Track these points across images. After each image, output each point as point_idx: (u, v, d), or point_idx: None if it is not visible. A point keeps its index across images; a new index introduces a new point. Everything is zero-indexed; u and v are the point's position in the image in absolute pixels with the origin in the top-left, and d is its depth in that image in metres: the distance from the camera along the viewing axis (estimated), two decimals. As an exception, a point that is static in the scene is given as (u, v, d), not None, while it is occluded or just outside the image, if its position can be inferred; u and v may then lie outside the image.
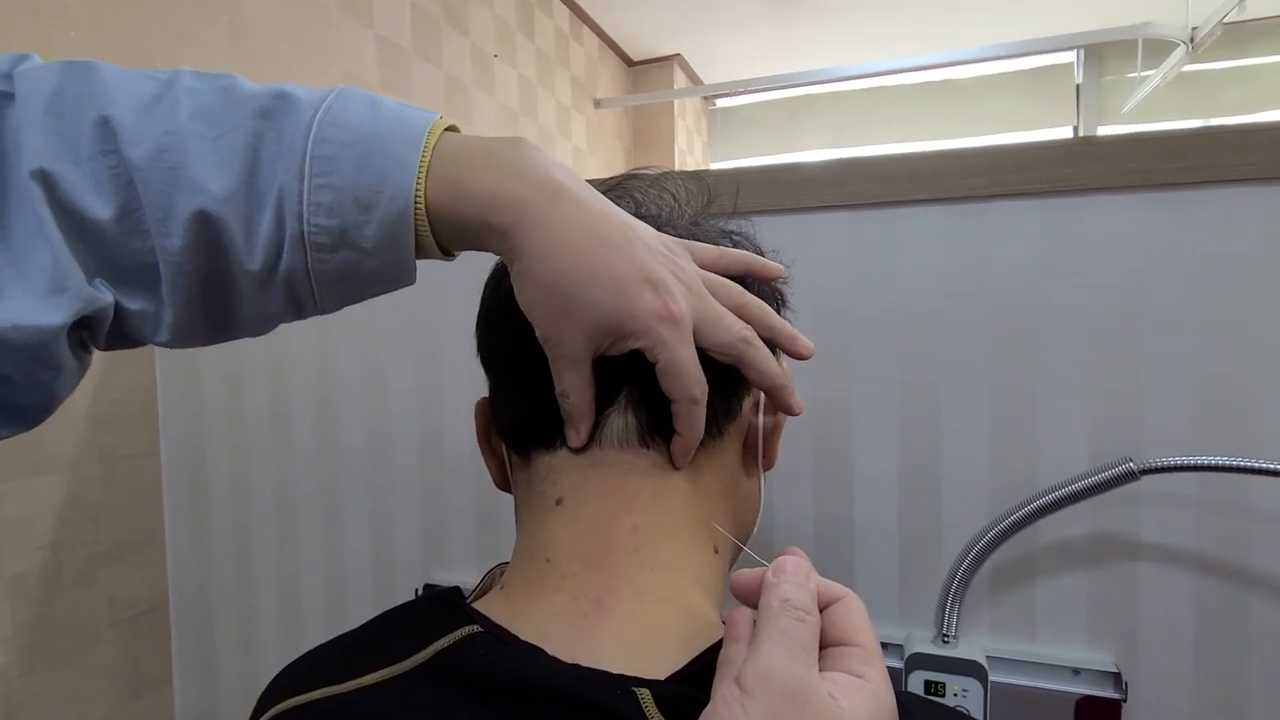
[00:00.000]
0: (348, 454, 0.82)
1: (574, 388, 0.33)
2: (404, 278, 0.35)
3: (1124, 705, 0.55)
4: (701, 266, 0.36)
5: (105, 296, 0.32)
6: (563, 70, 2.51)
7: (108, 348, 0.36)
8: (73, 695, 0.82)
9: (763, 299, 0.39)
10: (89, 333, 0.34)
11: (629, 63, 3.13)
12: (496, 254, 0.34)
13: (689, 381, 0.33)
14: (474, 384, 0.40)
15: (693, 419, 0.34)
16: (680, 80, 3.17)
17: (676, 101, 3.13)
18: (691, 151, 3.37)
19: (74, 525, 0.82)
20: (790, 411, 0.38)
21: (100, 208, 0.31)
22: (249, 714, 0.35)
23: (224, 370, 0.87)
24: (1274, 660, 0.55)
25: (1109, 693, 0.56)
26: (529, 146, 0.34)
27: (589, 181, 0.35)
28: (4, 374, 0.32)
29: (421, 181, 0.32)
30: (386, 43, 1.56)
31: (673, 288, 0.33)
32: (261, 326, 0.37)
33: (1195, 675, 0.56)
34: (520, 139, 0.34)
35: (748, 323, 0.36)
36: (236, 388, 0.87)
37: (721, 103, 3.64)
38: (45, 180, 0.30)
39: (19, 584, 0.77)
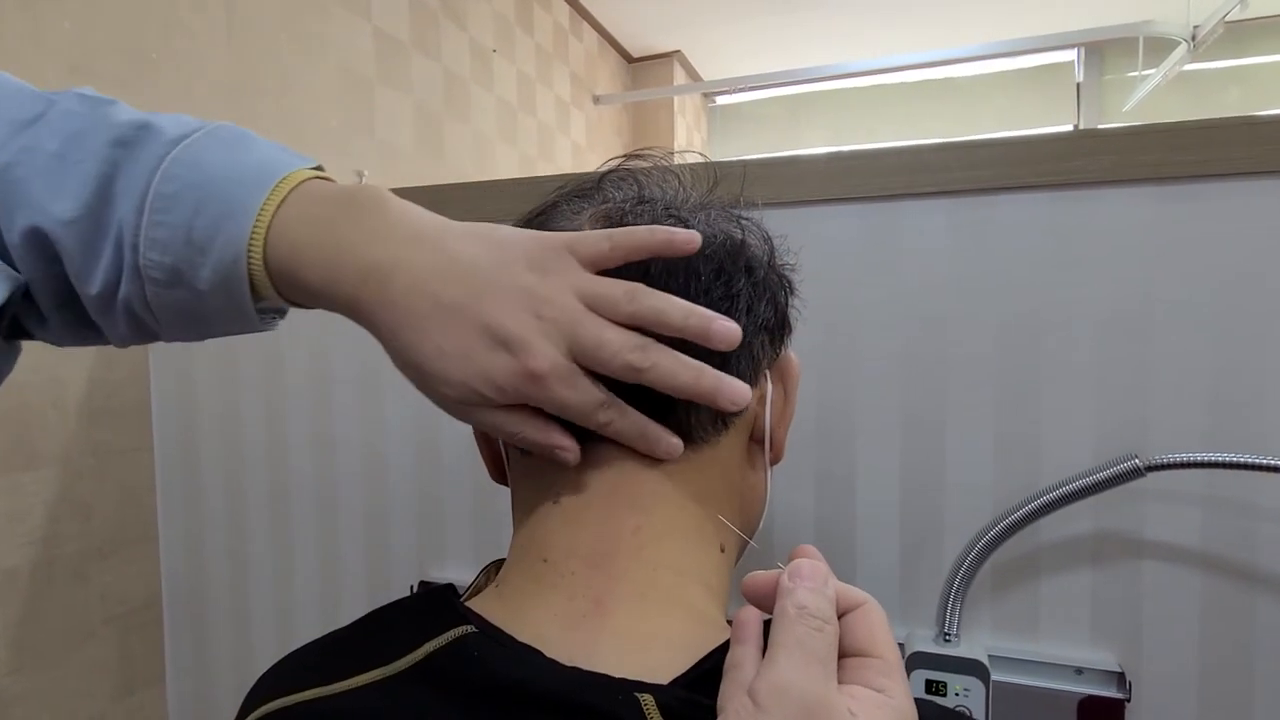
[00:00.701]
0: (343, 449, 0.81)
1: (506, 425, 0.32)
2: (248, 324, 0.34)
3: (1127, 705, 0.55)
4: (590, 265, 0.32)
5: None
6: (562, 66, 2.50)
7: (13, 337, 0.36)
8: (64, 692, 0.81)
9: (768, 288, 0.36)
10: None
11: (629, 59, 3.12)
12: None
13: (583, 411, 0.31)
14: None
15: (623, 431, 0.32)
16: (680, 77, 3.17)
17: (676, 98, 3.12)
18: (691, 148, 3.36)
19: (66, 520, 0.81)
20: (726, 409, 0.32)
21: None
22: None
23: (218, 365, 0.86)
24: (1279, 659, 0.54)
25: (1112, 692, 0.55)
26: (375, 207, 0.32)
27: (589, 173, 0.33)
28: None
29: (259, 238, 0.31)
30: (384, 35, 1.55)
31: (528, 340, 0.30)
32: (119, 342, 0.37)
33: (1200, 675, 0.56)
34: (370, 198, 0.32)
35: (643, 330, 0.31)
36: (231, 382, 0.86)
37: (721, 100, 3.63)
38: None
39: (10, 579, 0.77)
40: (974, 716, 0.55)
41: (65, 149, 0.32)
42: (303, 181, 0.33)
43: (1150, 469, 0.53)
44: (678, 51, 3.12)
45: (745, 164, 0.63)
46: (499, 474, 0.40)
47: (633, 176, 0.38)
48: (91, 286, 0.33)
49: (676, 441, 0.33)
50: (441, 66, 1.78)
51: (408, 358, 0.31)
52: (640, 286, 0.32)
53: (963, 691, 0.56)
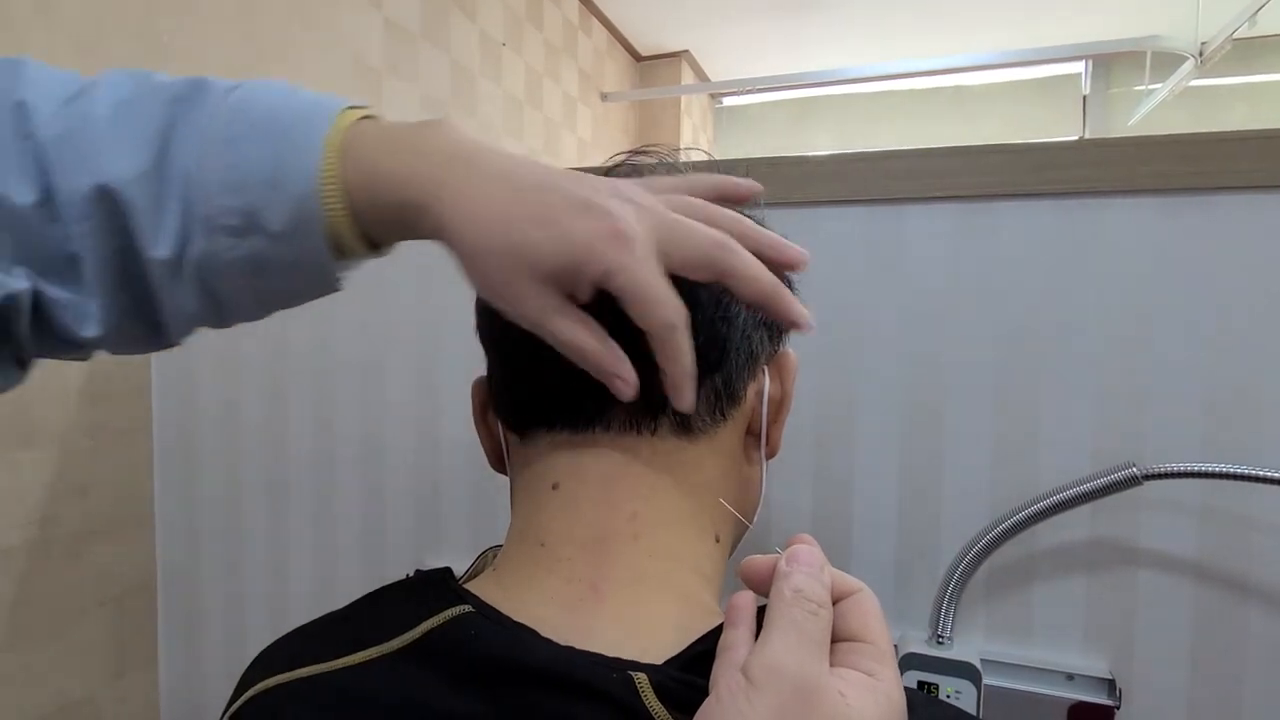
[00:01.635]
0: (342, 434, 0.81)
1: (575, 336, 0.30)
2: (322, 275, 0.33)
3: (1117, 712, 0.55)
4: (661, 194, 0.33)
5: (17, 282, 0.31)
6: (570, 62, 2.50)
7: (41, 351, 0.35)
8: (55, 672, 0.81)
9: None
10: (9, 334, 0.32)
11: (637, 58, 3.12)
12: (427, 237, 0.32)
13: (657, 304, 0.29)
14: (470, 367, 0.39)
15: (673, 349, 0.30)
16: (688, 77, 3.17)
17: (683, 98, 3.12)
18: (697, 148, 3.36)
19: (62, 500, 0.81)
20: (795, 325, 0.32)
21: (21, 193, 0.31)
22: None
23: (219, 347, 0.86)
24: (1270, 673, 0.54)
25: (1103, 699, 0.56)
26: (446, 125, 0.32)
27: (591, 170, 0.33)
28: None
29: (334, 162, 0.31)
30: (395, 25, 1.55)
31: (613, 206, 0.29)
32: (183, 327, 0.36)
33: (1190, 685, 0.56)
34: (440, 119, 0.33)
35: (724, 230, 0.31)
36: (231, 365, 0.86)
37: (728, 101, 3.63)
38: None
39: (5, 558, 0.76)
40: (972, 714, 0.55)
41: (119, 113, 0.32)
42: (364, 116, 0.33)
43: (1147, 477, 0.53)
44: (686, 51, 3.12)
45: (750, 163, 0.63)
46: (498, 462, 0.40)
47: (637, 173, 0.38)
48: (161, 248, 0.32)
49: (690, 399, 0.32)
50: (450, 58, 1.78)
51: (486, 241, 0.30)
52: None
53: (954, 694, 0.56)
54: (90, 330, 0.33)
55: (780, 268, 0.32)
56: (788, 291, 0.32)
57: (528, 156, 0.32)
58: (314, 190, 0.31)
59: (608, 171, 0.38)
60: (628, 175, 0.38)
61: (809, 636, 0.25)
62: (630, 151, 0.40)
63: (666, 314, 0.29)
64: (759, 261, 0.31)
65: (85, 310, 0.33)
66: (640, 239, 0.29)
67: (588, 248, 0.29)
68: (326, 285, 0.34)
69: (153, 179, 0.31)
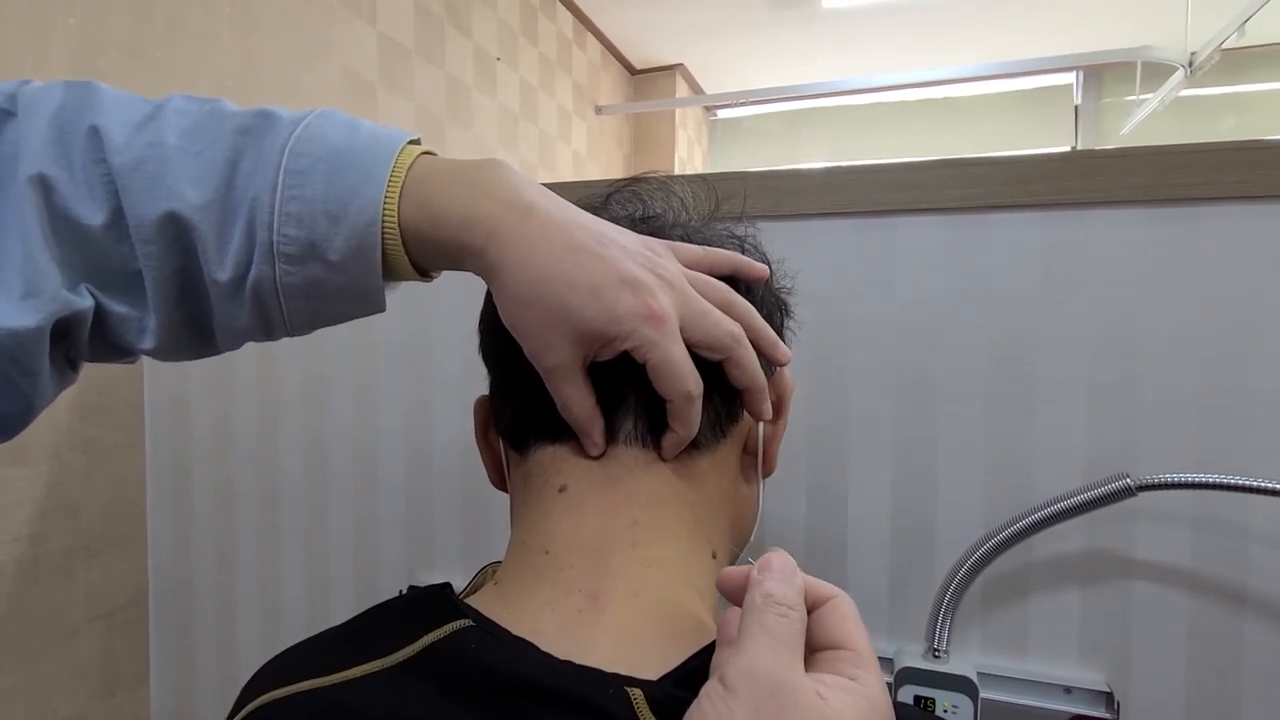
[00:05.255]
0: (334, 452, 0.81)
1: (573, 399, 0.33)
2: (372, 298, 0.35)
3: (1115, 726, 0.55)
4: (686, 266, 0.36)
5: (83, 301, 0.33)
6: (564, 75, 2.52)
7: (95, 357, 0.37)
8: (45, 691, 0.81)
9: (767, 307, 0.39)
10: (68, 342, 0.34)
11: (631, 71, 3.14)
12: (474, 273, 0.34)
13: (681, 379, 0.33)
14: (463, 384, 0.40)
15: (688, 416, 0.34)
16: (682, 89, 3.19)
17: (678, 110, 3.14)
18: (691, 160, 3.38)
19: (53, 517, 0.81)
20: (758, 417, 0.37)
21: (92, 214, 0.33)
22: (227, 713, 0.34)
23: (211, 364, 0.86)
24: (1268, 684, 0.54)
25: (1100, 712, 0.55)
26: (503, 167, 0.34)
27: (589, 183, 0.35)
28: None
29: (394, 198, 0.33)
30: (389, 41, 1.56)
31: (653, 286, 0.33)
32: (232, 341, 0.38)
33: (1188, 697, 0.56)
34: (495, 160, 0.35)
35: (735, 320, 0.35)
36: (223, 382, 0.86)
37: (723, 113, 3.65)
38: (42, 184, 0.32)
39: (-6, 575, 0.76)
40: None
41: (187, 142, 0.33)
42: (424, 153, 0.35)
43: (1141, 488, 0.53)
44: (680, 64, 3.14)
45: (746, 177, 0.63)
46: (500, 479, 0.41)
47: (638, 199, 0.40)
48: (223, 271, 0.34)
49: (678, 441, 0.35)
50: (445, 72, 1.79)
51: (533, 293, 0.32)
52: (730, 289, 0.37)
53: (951, 708, 0.55)
54: (147, 343, 0.35)
55: (769, 361, 0.37)
56: (765, 387, 0.36)
57: (578, 210, 0.35)
58: (373, 223, 0.33)
59: (609, 195, 0.40)
60: (628, 200, 0.40)
61: (780, 639, 0.25)
62: (629, 179, 0.42)
63: (688, 387, 0.33)
64: (755, 355, 0.35)
65: (144, 324, 0.35)
66: (671, 319, 0.33)
67: (628, 325, 0.32)
68: (374, 307, 0.36)
69: (219, 207, 0.33)
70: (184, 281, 0.35)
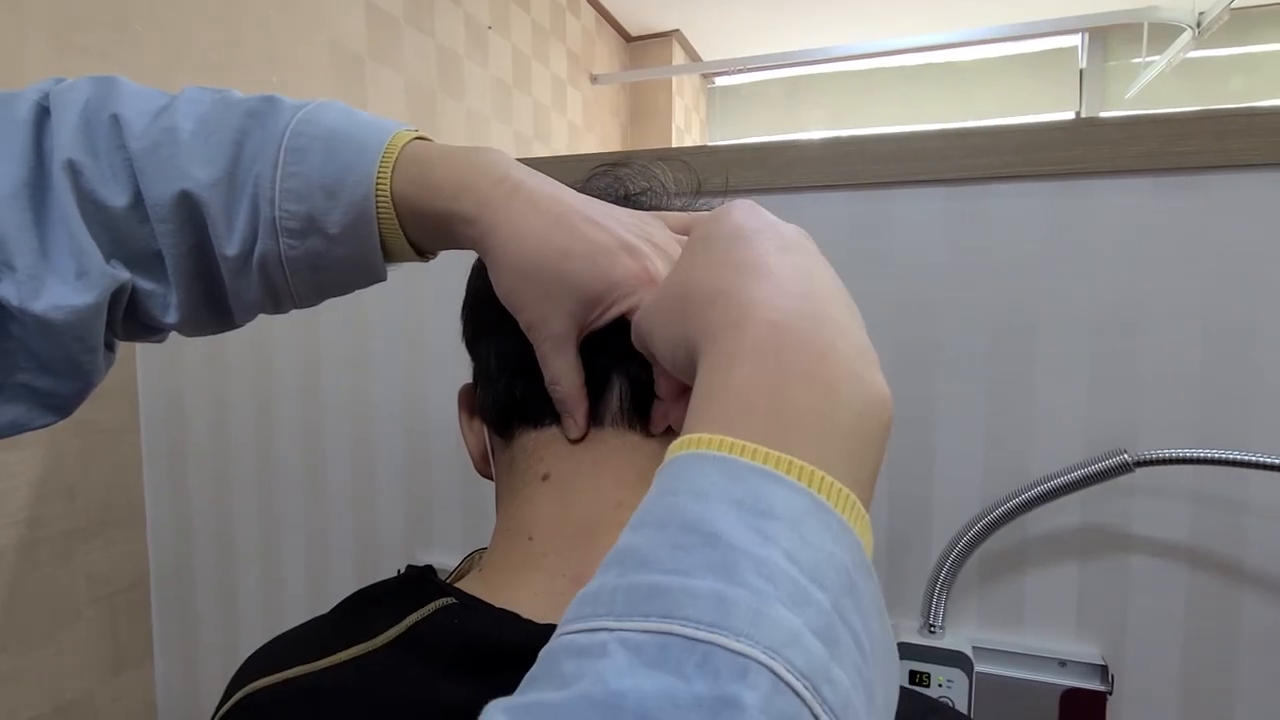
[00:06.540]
0: (331, 432, 0.80)
1: (563, 373, 0.33)
2: (372, 269, 0.37)
3: (1110, 698, 0.55)
4: (675, 233, 0.37)
5: (123, 274, 0.36)
6: (558, 44, 2.47)
7: (128, 336, 0.39)
8: (51, 672, 0.81)
9: None
10: (110, 318, 0.36)
11: (627, 38, 3.08)
12: (468, 247, 0.35)
13: None
14: (458, 366, 0.40)
15: (674, 381, 0.33)
16: (679, 57, 3.12)
17: (675, 79, 3.08)
18: (689, 130, 3.33)
19: (51, 500, 0.81)
20: None
21: (116, 196, 0.35)
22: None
23: (205, 346, 0.85)
24: (1263, 658, 0.54)
25: (1095, 685, 0.56)
26: (493, 151, 0.36)
27: (583, 157, 0.34)
28: (48, 362, 0.35)
29: (387, 173, 0.35)
30: (377, 10, 1.53)
31: (648, 251, 0.33)
32: (246, 314, 0.40)
33: (1183, 670, 0.56)
34: (486, 146, 0.36)
35: None
36: (218, 363, 0.85)
37: (721, 81, 3.59)
38: (72, 170, 0.34)
39: (-6, 559, 0.76)
40: (957, 707, 0.55)
41: (198, 127, 0.36)
42: (418, 137, 0.36)
43: (1139, 464, 0.52)
44: (677, 31, 3.08)
45: (735, 152, 0.62)
46: (484, 466, 0.41)
47: (621, 184, 0.40)
48: (232, 246, 0.36)
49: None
50: (435, 42, 1.75)
51: (529, 261, 0.33)
52: None
53: (946, 683, 0.56)
54: (171, 317, 0.38)
55: None
56: None
57: (566, 188, 0.36)
58: (368, 197, 0.34)
59: (592, 177, 0.41)
60: (611, 184, 0.40)
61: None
62: (609, 164, 0.42)
63: None
64: None
65: (168, 300, 0.37)
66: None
67: (623, 286, 0.32)
68: (375, 277, 0.38)
69: (226, 185, 0.35)
70: (199, 257, 0.37)
